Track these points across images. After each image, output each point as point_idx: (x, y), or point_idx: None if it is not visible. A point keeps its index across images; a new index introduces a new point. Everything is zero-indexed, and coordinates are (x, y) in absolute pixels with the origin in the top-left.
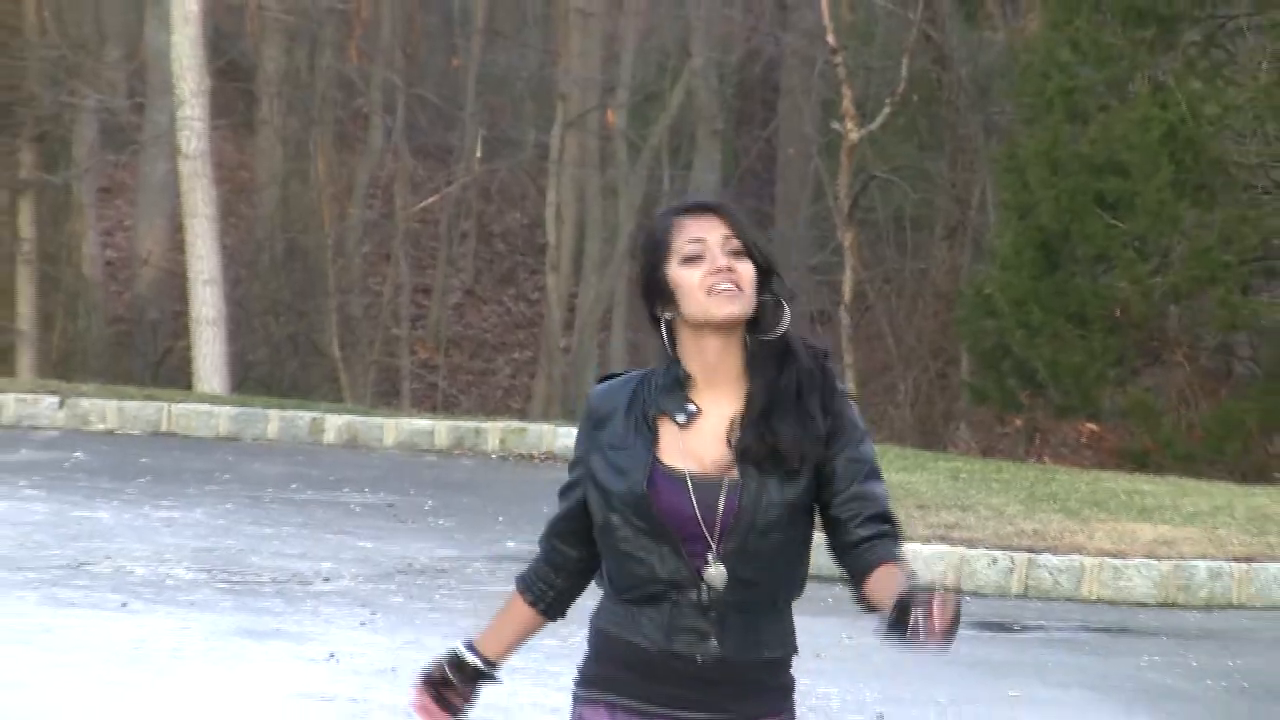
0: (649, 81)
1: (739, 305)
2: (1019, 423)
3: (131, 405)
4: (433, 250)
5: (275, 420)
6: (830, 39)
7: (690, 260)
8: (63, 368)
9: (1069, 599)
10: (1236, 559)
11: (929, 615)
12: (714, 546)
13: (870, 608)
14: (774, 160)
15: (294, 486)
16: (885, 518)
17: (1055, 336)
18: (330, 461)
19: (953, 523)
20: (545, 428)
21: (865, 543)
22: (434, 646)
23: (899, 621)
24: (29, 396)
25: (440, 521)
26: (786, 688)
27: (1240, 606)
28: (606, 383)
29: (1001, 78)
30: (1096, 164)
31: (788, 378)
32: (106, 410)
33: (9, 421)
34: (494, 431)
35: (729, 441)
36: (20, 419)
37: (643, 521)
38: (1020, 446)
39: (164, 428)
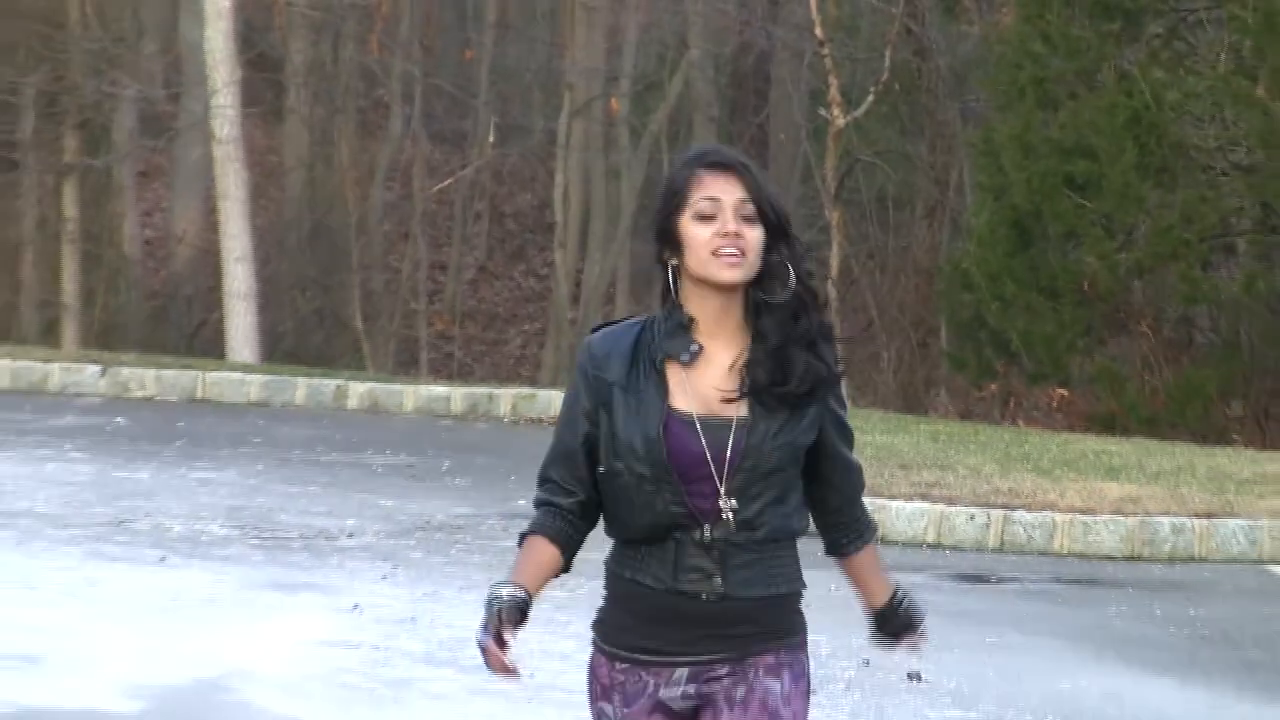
0: (649, 72)
1: (740, 272)
2: (994, 389)
3: (169, 374)
4: (448, 229)
5: (302, 388)
6: (818, 32)
7: (703, 218)
8: (104, 339)
9: (1042, 553)
10: (1198, 515)
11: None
12: (720, 486)
13: (844, 572)
14: (766, 145)
15: (320, 449)
16: (859, 492)
17: (1028, 308)
18: (353, 426)
19: (933, 481)
20: (554, 394)
21: (845, 523)
22: (450, 598)
23: (884, 630)
24: (73, 366)
25: (456, 481)
26: (796, 626)
27: (1201, 560)
28: (604, 330)
29: (977, 68)
30: (1066, 148)
31: (803, 325)
32: (145, 378)
33: (55, 389)
34: (506, 398)
35: (740, 377)
36: (65, 387)
37: (650, 465)
38: (996, 411)
39: (199, 395)
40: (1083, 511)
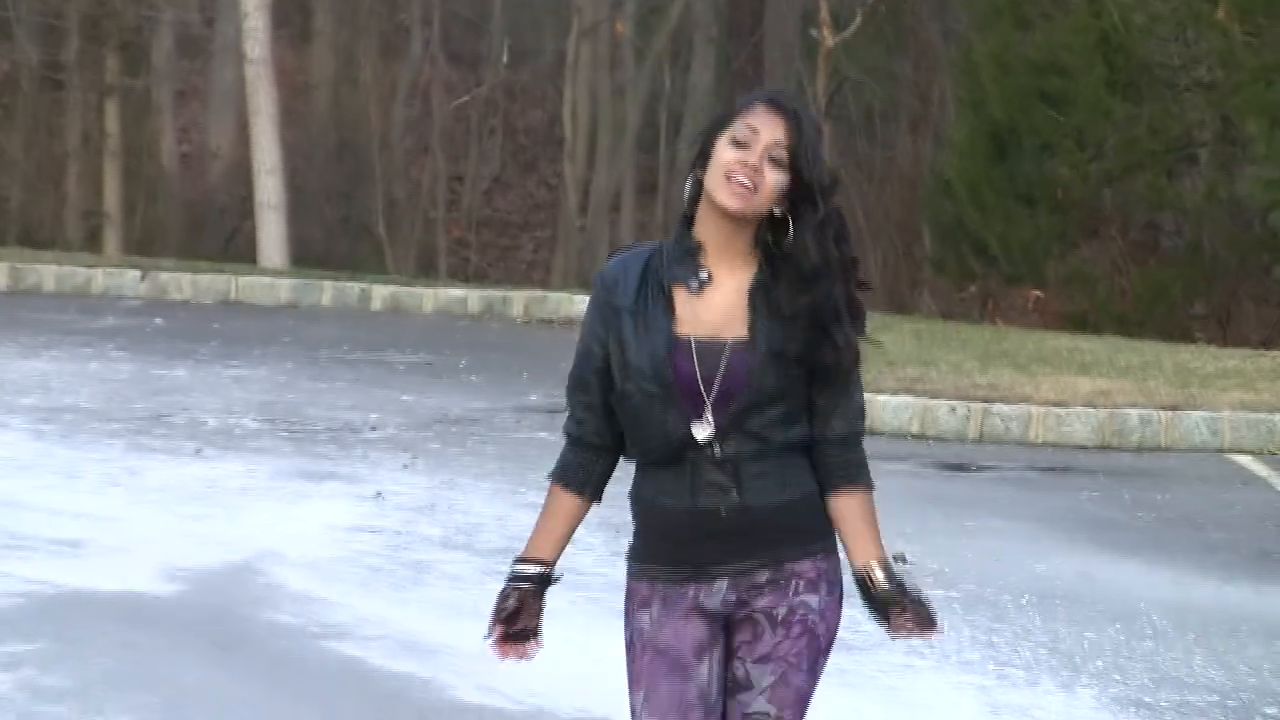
0: None
1: (741, 203)
2: (974, 290)
3: (204, 278)
4: (465, 144)
5: (329, 290)
6: None
7: (736, 144)
8: (144, 246)
9: (1018, 443)
10: (1163, 408)
11: (900, 627)
12: (715, 404)
13: (829, 517)
14: (761, 63)
15: (345, 348)
16: (858, 436)
17: (1005, 215)
18: (377, 326)
19: (917, 376)
20: (563, 296)
21: (835, 453)
22: (466, 486)
23: (872, 600)
24: (115, 271)
25: (472, 378)
26: (817, 529)
27: (1167, 449)
28: (616, 256)
29: None
30: (1040, 65)
31: (824, 295)
32: (182, 282)
33: (98, 292)
34: (519, 299)
35: (750, 304)
36: (108, 290)
37: (659, 386)
38: (975, 311)
39: (232, 297)
40: (1056, 404)
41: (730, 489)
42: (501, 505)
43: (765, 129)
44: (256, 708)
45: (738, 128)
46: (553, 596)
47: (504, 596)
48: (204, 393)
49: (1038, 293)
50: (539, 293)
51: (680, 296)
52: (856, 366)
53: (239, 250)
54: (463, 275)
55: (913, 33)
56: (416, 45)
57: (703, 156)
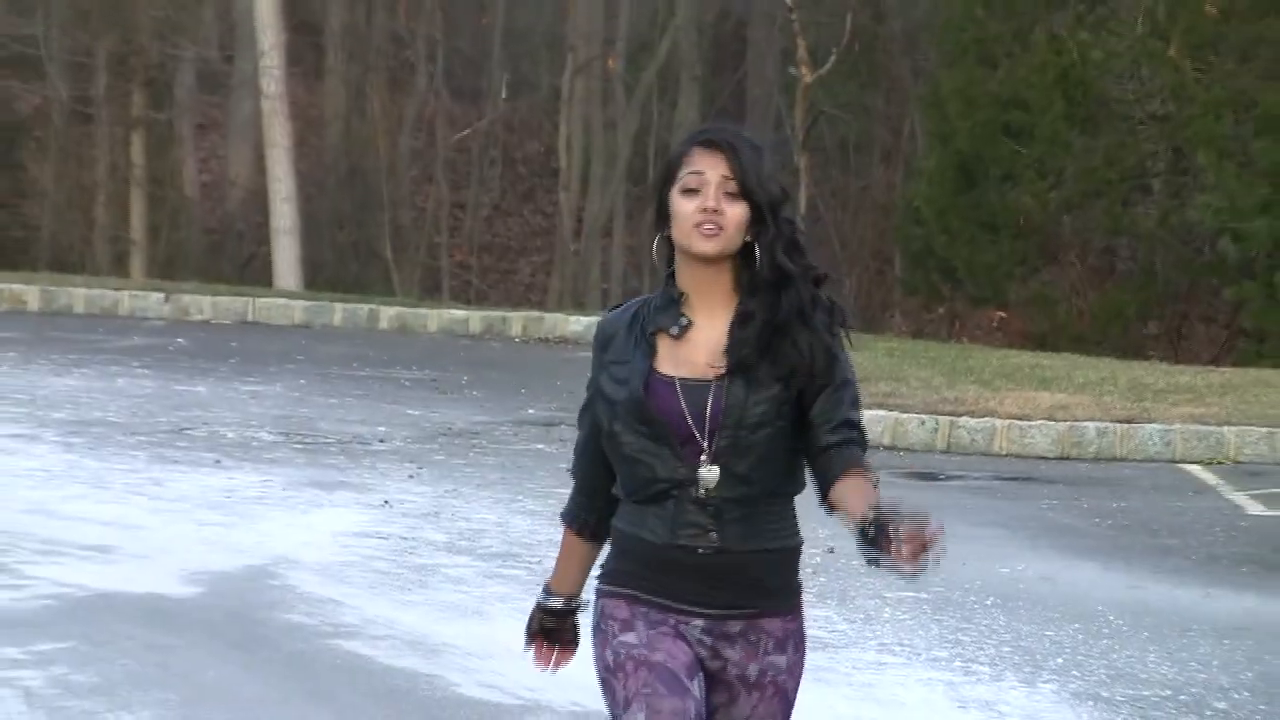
0: (641, 35)
1: (716, 245)
2: (942, 311)
3: (223, 300)
4: (466, 173)
5: (339, 311)
6: (788, 0)
7: (689, 192)
8: (167, 270)
9: (983, 454)
10: (1119, 420)
11: (901, 546)
12: (706, 445)
13: (832, 509)
14: (743, 99)
15: (355, 365)
16: (852, 424)
17: (971, 241)
18: (384, 344)
19: (889, 392)
20: (559, 316)
21: (833, 448)
22: (469, 495)
23: (873, 541)
24: (140, 293)
25: (474, 393)
26: (792, 588)
27: (1122, 459)
28: (612, 312)
29: (926, 30)
30: (1003, 100)
31: (788, 301)
32: (203, 304)
33: (124, 313)
34: (517, 320)
35: (726, 348)
36: (133, 311)
37: (643, 425)
38: (943, 330)
39: (249, 318)
40: (1019, 417)
41: (710, 529)
42: (502, 512)
43: (709, 169)
44: (271, 704)
45: (684, 177)
46: (535, 594)
47: (533, 619)
48: (223, 408)
49: (1001, 313)
50: (536, 313)
51: (662, 342)
52: (836, 369)
53: (256, 273)
54: (465, 297)
55: (884, 70)
56: (421, 81)
57: (662, 215)
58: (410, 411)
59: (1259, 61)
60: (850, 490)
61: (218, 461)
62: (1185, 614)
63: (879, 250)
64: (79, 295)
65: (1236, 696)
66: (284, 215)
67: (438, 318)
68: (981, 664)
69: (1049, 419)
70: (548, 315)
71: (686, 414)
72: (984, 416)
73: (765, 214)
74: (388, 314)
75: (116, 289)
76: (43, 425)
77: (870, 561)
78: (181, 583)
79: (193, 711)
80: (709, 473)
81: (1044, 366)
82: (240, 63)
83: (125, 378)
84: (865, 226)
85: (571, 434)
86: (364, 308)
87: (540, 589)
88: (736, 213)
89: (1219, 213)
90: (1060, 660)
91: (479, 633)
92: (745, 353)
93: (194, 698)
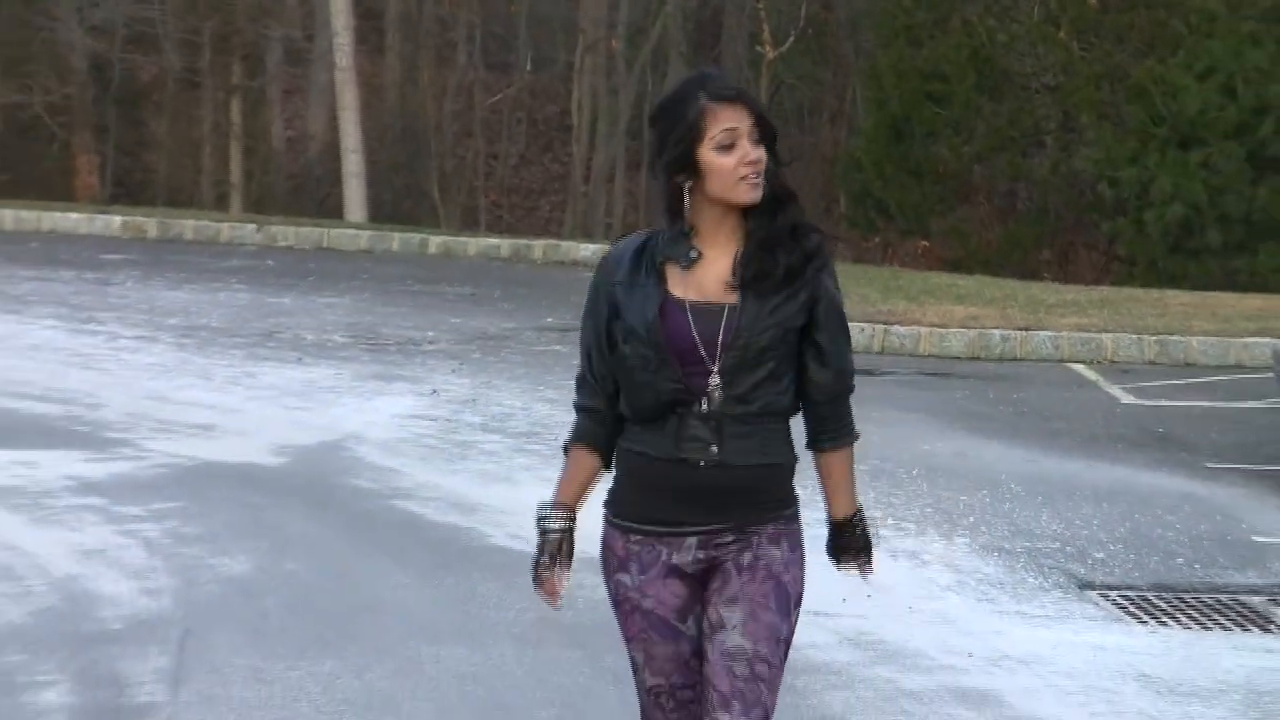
0: (638, 20)
1: (759, 191)
2: (877, 240)
3: (304, 230)
4: (498, 130)
5: (396, 240)
6: None
7: (725, 148)
8: (259, 206)
9: (910, 355)
10: (1019, 328)
11: (849, 564)
12: (711, 364)
13: (817, 470)
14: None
15: (409, 283)
16: (844, 379)
17: (900, 185)
18: (432, 266)
19: None
20: (572, 244)
21: (831, 417)
22: (500, 385)
23: (837, 540)
24: (237, 224)
25: (504, 305)
26: (789, 499)
27: (1021, 360)
28: (619, 242)
29: (866, 17)
30: (926, 73)
31: (783, 218)
32: (287, 233)
33: (224, 241)
34: (539, 246)
35: (733, 272)
36: (232, 239)
37: (651, 347)
38: (878, 256)
39: (324, 245)
40: (939, 326)
41: (711, 444)
42: (526, 399)
43: (739, 122)
44: (343, 551)
45: (716, 135)
46: (553, 462)
47: (540, 551)
48: (303, 316)
49: (925, 243)
50: (554, 242)
51: (672, 271)
52: (833, 289)
53: (330, 209)
54: (497, 229)
55: (832, 49)
56: (462, 56)
57: (682, 167)
58: (453, 319)
59: (1130, 43)
60: (837, 477)
61: (299, 359)
62: (1071, 482)
63: (827, 192)
64: (188, 226)
65: (1112, 548)
66: (352, 163)
67: (475, 245)
68: (909, 522)
69: (963, 327)
70: (563, 243)
71: (696, 335)
72: (910, 325)
73: (774, 149)
74: (435, 242)
75: (218, 221)
76: (159, 330)
77: (830, 556)
78: (270, 454)
79: (280, 557)
80: (714, 390)
81: (959, 285)
82: (318, 41)
83: (225, 292)
84: (816, 174)
85: (576, 351)
86: (416, 237)
87: (541, 520)
88: (764, 156)
89: (1098, 163)
90: (971, 519)
91: (508, 495)
92: (754, 266)
93: (280, 546)
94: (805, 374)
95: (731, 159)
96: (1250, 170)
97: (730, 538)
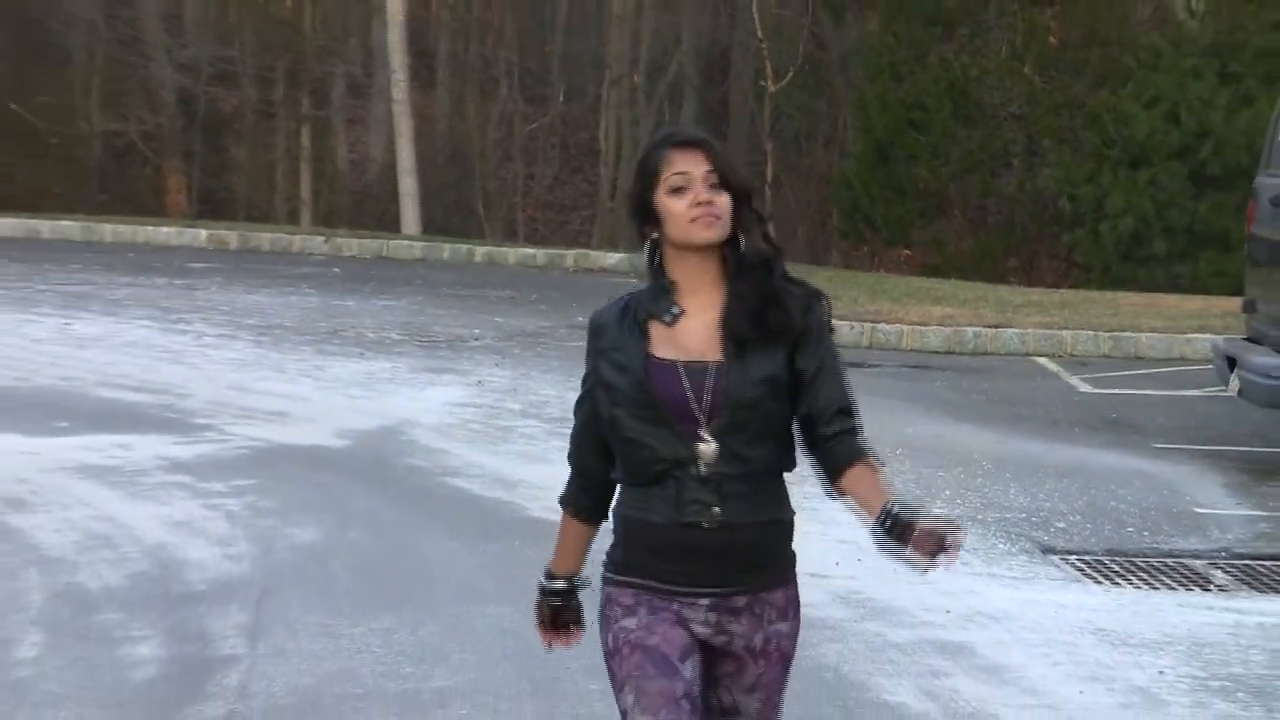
0: (657, 58)
1: (716, 231)
2: (865, 250)
3: (365, 241)
4: (535, 154)
5: (446, 249)
6: (759, 34)
7: (676, 191)
8: (326, 220)
9: (894, 349)
10: (989, 326)
11: (919, 547)
12: (705, 423)
13: (842, 494)
14: (727, 104)
15: (457, 287)
16: (848, 411)
17: (886, 201)
18: (478, 273)
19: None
20: (599, 253)
21: (835, 437)
22: (537, 377)
23: (890, 533)
24: (307, 236)
25: (540, 307)
26: (789, 559)
27: (991, 354)
28: (602, 307)
29: (855, 55)
30: (908, 104)
31: (773, 280)
32: (351, 244)
33: (296, 251)
34: (570, 255)
35: (720, 330)
36: (303, 250)
37: (643, 409)
38: (866, 263)
39: (383, 254)
40: (919, 324)
41: (713, 505)
42: (560, 388)
43: (692, 167)
44: (401, 522)
45: (669, 179)
46: None
47: (540, 608)
48: (365, 316)
49: (907, 251)
50: (584, 251)
51: (655, 328)
52: (824, 334)
53: (388, 223)
54: (534, 240)
55: (826, 82)
56: (503, 89)
57: (645, 217)
58: (496, 319)
59: (1086, 76)
60: (865, 483)
61: (361, 353)
62: (1035, 461)
63: (821, 208)
64: (265, 238)
65: (1071, 518)
66: (407, 183)
67: (515, 254)
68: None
69: (940, 325)
70: (592, 253)
71: (688, 394)
72: (894, 323)
73: (743, 201)
74: (480, 252)
75: (290, 234)
76: (239, 328)
77: (886, 553)
78: (335, 438)
79: (344, 527)
80: (708, 450)
81: (936, 289)
82: (377, 77)
83: (296, 295)
84: (812, 192)
85: None
86: (463, 247)
87: (541, 578)
88: (724, 201)
89: (1058, 181)
90: (948, 492)
91: (544, 473)
92: (741, 326)
93: (345, 518)
94: (808, 417)
95: (683, 202)
96: (1192, 188)
97: (742, 602)
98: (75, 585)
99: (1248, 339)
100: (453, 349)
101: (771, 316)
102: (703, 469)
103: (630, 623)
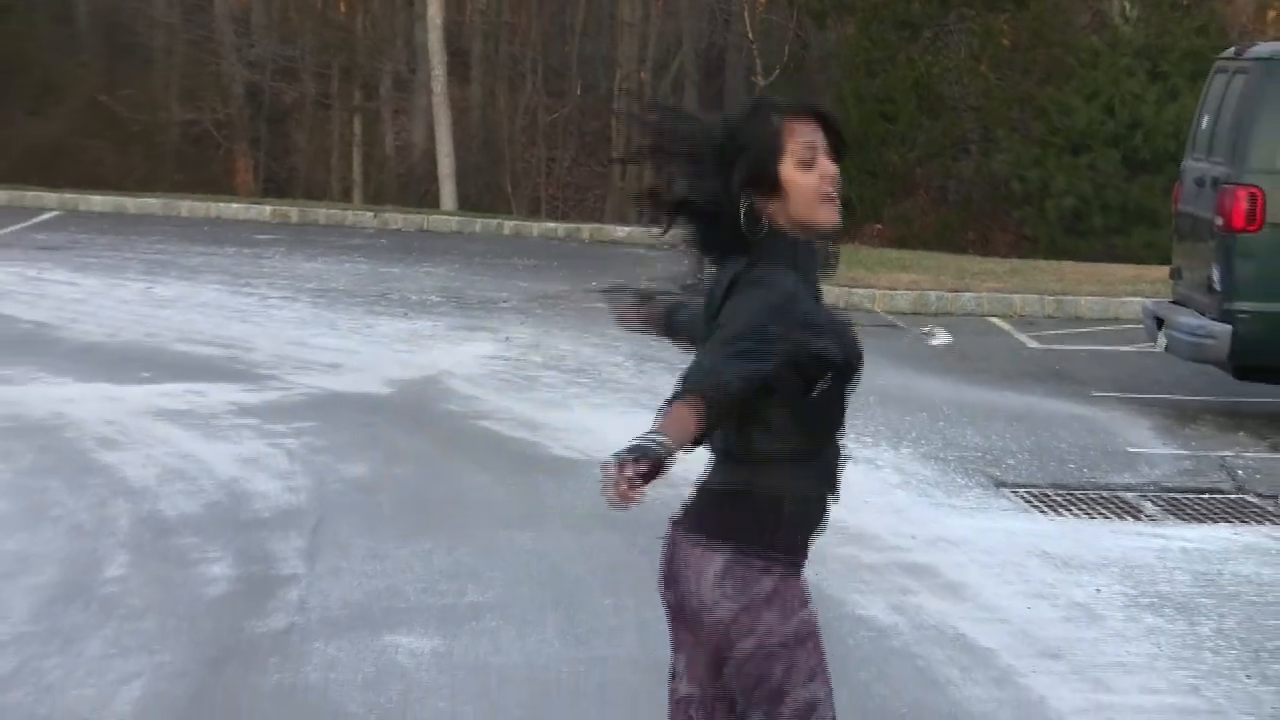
0: (661, 57)
1: (839, 215)
2: (844, 224)
3: (410, 216)
4: (556, 140)
5: (479, 224)
6: (750, 36)
7: (805, 165)
8: (375, 199)
9: (867, 310)
10: (949, 290)
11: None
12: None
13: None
14: (723, 97)
15: (488, 257)
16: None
17: (860, 182)
18: (506, 244)
19: None
20: (611, 227)
21: None
22: (557, 334)
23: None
24: (358, 212)
25: (560, 273)
26: None
27: (951, 314)
28: (784, 278)
29: (834, 55)
30: (880, 98)
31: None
32: (397, 219)
33: (349, 225)
34: (587, 229)
35: None
36: (355, 224)
37: (849, 377)
38: (843, 237)
39: (425, 228)
40: (889, 289)
41: (839, 475)
42: (576, 344)
43: (817, 138)
44: (439, 458)
45: (796, 150)
46: (597, 392)
47: (634, 448)
48: (408, 281)
49: (878, 226)
50: (598, 225)
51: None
52: None
53: (428, 200)
54: (555, 216)
55: (809, 78)
56: (528, 84)
57: (761, 185)
58: (522, 284)
59: (1034, 74)
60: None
61: (405, 313)
62: (989, 407)
63: None
64: (321, 213)
65: (1020, 456)
66: (445, 165)
67: (538, 228)
68: (866, 436)
69: (907, 289)
70: (605, 226)
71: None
72: (867, 288)
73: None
74: (508, 226)
75: (343, 209)
76: (299, 291)
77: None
78: (382, 386)
79: (390, 463)
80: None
81: (904, 258)
82: (419, 73)
83: (349, 263)
84: None
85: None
86: (494, 221)
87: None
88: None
89: (1010, 165)
90: (914, 434)
91: (563, 417)
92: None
93: (391, 455)
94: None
95: (810, 177)
96: (1125, 171)
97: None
98: (156, 513)
99: (1174, 302)
100: (484, 309)
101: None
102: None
103: (809, 612)
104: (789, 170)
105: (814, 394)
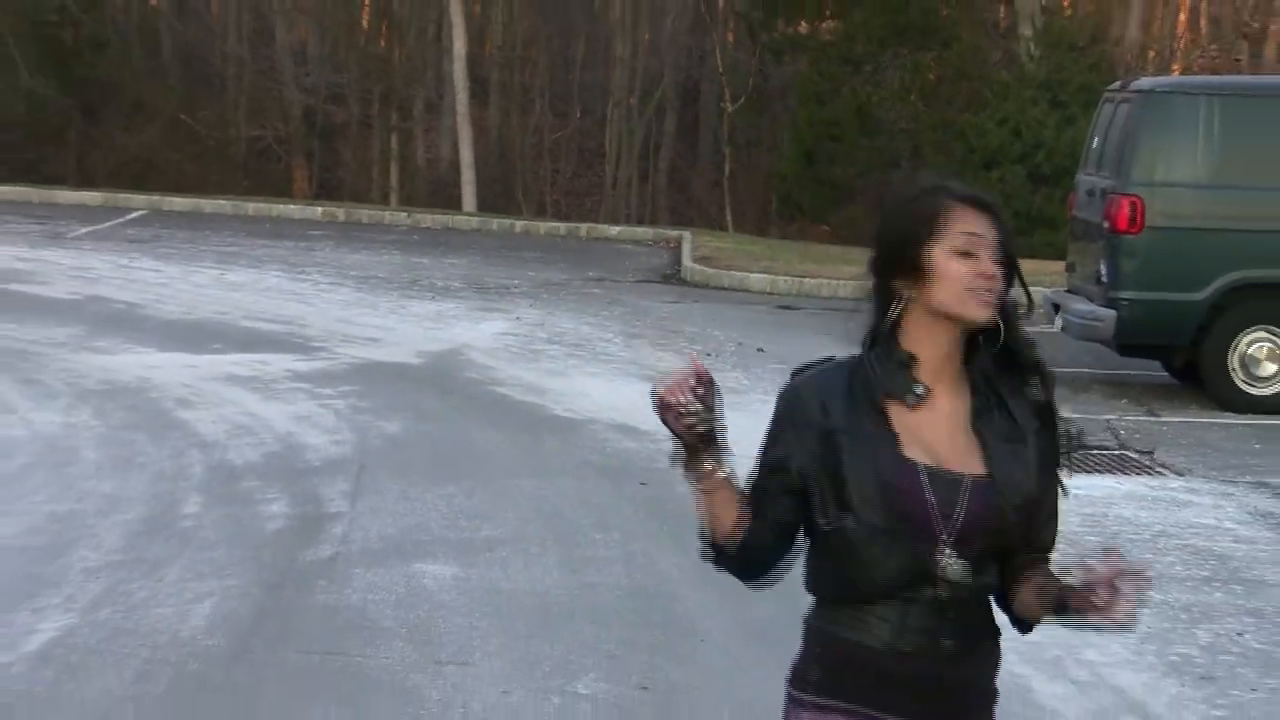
0: (647, 86)
1: (992, 312)
2: (795, 226)
3: (437, 217)
4: (559, 154)
5: (495, 223)
6: (720, 69)
7: (963, 254)
8: (409, 202)
9: (816, 297)
10: None
11: (1107, 601)
12: (952, 543)
13: (1016, 615)
14: (698, 120)
15: (503, 250)
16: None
17: (811, 191)
18: (518, 240)
19: (769, 264)
20: (605, 226)
21: (1040, 561)
22: (560, 315)
23: (1069, 611)
24: (394, 213)
25: (561, 264)
26: (993, 690)
27: None
28: (808, 373)
29: (791, 84)
30: (828, 122)
31: (1020, 372)
32: (427, 219)
33: (387, 224)
34: (584, 228)
35: (975, 430)
36: (392, 223)
37: (880, 517)
38: (796, 236)
39: (450, 226)
40: (835, 278)
41: (942, 636)
42: (575, 323)
43: (985, 231)
44: (461, 416)
45: (955, 238)
46: (592, 363)
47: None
48: (436, 271)
49: (826, 228)
50: (595, 225)
51: (896, 414)
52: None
53: (453, 204)
54: (558, 216)
55: (769, 104)
56: (537, 108)
57: (906, 272)
58: (530, 273)
59: (955, 103)
60: (1028, 592)
61: (433, 297)
62: None
63: (764, 195)
64: (364, 214)
65: None
66: (467, 175)
67: (544, 227)
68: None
69: (849, 280)
70: (599, 226)
71: (935, 509)
72: (817, 278)
73: (1017, 282)
74: (519, 225)
75: (382, 210)
76: (344, 278)
77: (1081, 628)
78: (414, 357)
79: (419, 422)
80: (956, 570)
81: (849, 254)
82: (446, 99)
83: (386, 254)
84: (758, 184)
85: (606, 294)
86: (507, 221)
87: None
88: (1002, 278)
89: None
90: None
91: (564, 383)
92: (995, 425)
93: (421, 416)
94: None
95: (965, 266)
96: (1029, 184)
97: None
98: (225, 462)
99: (1068, 291)
100: (499, 294)
101: (1018, 415)
102: (939, 593)
103: None
104: (941, 256)
105: (826, 527)
